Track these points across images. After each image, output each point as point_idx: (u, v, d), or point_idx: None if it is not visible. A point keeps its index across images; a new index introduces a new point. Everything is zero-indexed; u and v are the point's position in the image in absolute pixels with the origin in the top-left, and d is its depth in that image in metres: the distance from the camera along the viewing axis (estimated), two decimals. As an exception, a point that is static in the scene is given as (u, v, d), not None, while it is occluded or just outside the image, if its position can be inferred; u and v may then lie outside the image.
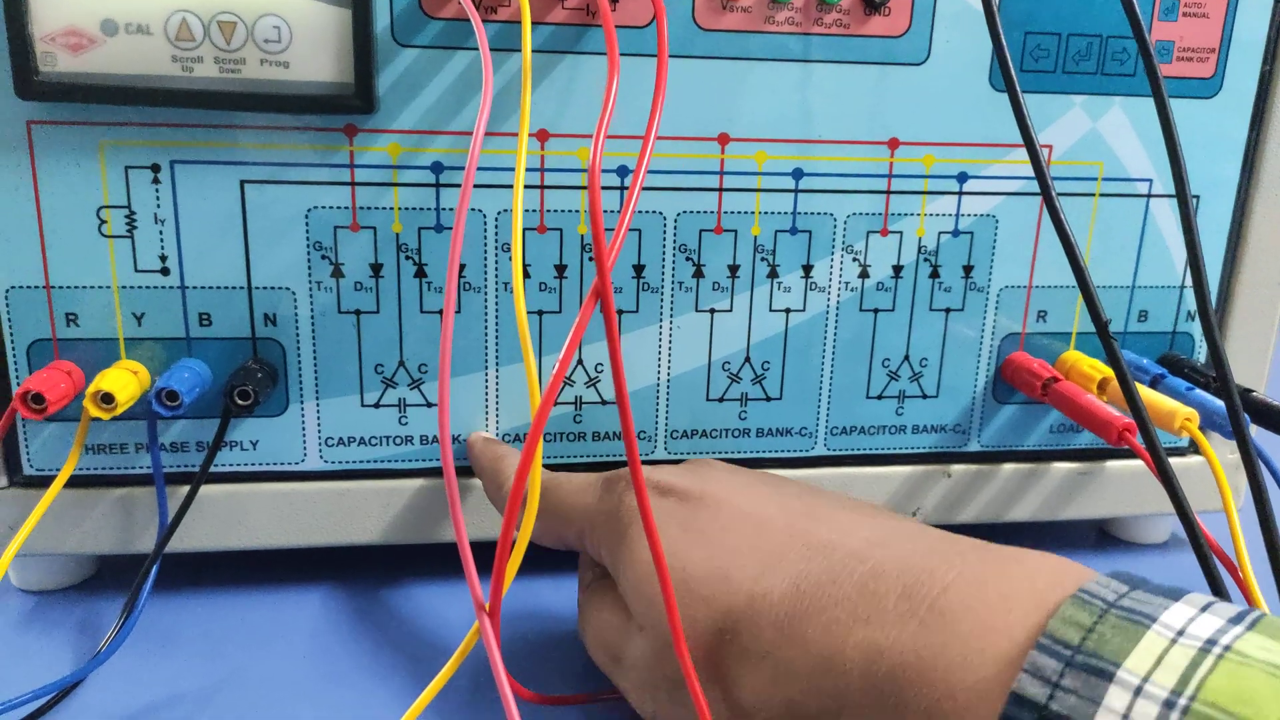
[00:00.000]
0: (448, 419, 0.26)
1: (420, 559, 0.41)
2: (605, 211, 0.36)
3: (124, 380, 0.34)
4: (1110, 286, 0.41)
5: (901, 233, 0.39)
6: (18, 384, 0.35)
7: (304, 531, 0.38)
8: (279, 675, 0.35)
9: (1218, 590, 0.29)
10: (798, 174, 0.37)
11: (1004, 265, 0.40)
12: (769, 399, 0.40)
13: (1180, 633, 0.20)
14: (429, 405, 0.38)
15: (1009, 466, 0.42)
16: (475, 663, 0.34)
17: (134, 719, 0.32)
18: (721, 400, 0.40)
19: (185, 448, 0.37)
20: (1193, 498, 0.30)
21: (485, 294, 0.37)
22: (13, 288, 0.34)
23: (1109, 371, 0.39)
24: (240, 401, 0.34)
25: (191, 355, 0.36)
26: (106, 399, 0.33)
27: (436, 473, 0.39)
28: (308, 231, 0.35)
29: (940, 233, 0.39)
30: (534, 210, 0.36)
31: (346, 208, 0.35)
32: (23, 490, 0.36)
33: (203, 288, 0.35)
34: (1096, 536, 0.48)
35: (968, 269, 0.40)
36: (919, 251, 0.39)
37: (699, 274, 0.38)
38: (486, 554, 0.27)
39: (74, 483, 0.36)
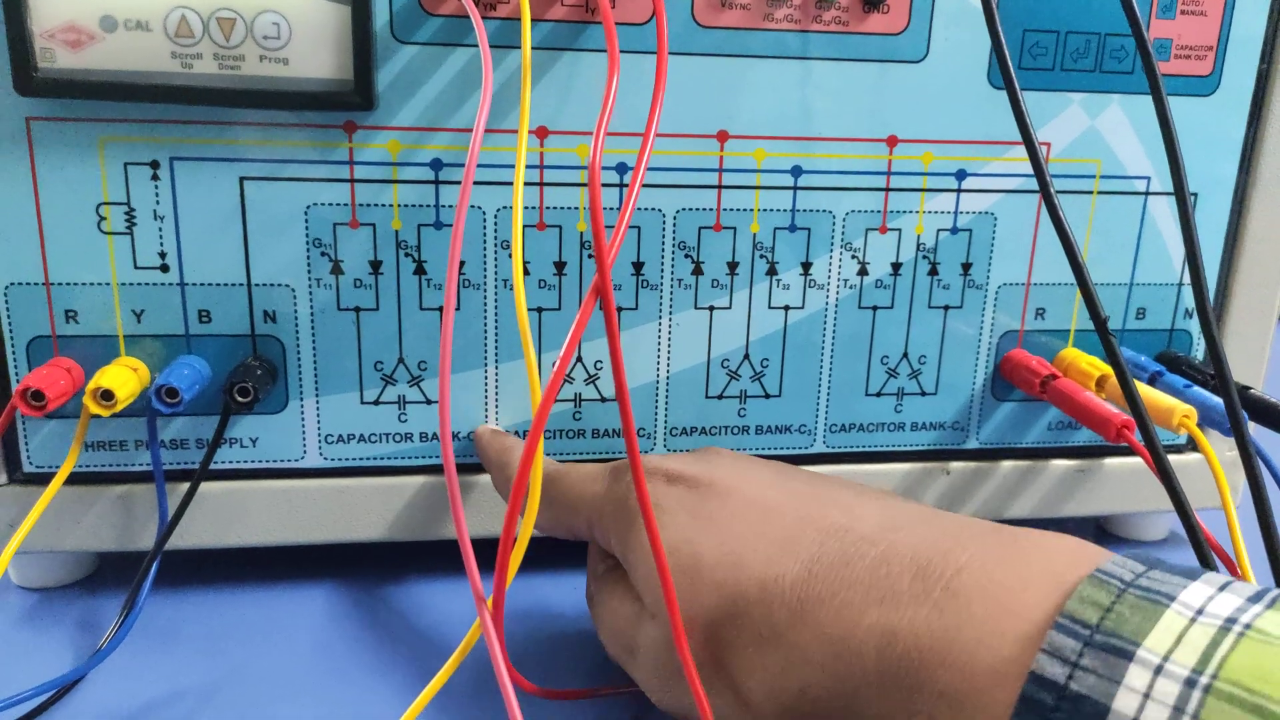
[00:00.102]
0: (448, 416, 0.26)
1: (421, 556, 0.42)
2: (605, 209, 0.36)
3: (123, 377, 0.34)
4: (1108, 284, 0.41)
5: (900, 230, 0.39)
6: (17, 381, 0.35)
7: (304, 528, 0.38)
8: (280, 672, 0.35)
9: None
10: (797, 171, 0.37)
11: (1002, 263, 0.40)
12: (768, 396, 0.40)
13: (1200, 611, 0.20)
14: (429, 402, 0.38)
15: (1007, 464, 0.42)
16: (477, 659, 0.34)
17: (134, 716, 0.32)
18: (721, 397, 0.40)
19: (185, 445, 0.37)
20: (1191, 495, 0.30)
21: (485, 291, 0.37)
22: (12, 284, 0.34)
23: (1107, 369, 0.39)
24: (240, 399, 0.34)
25: (191, 352, 0.36)
26: (106, 396, 0.33)
27: (436, 470, 0.39)
28: (307, 228, 0.35)
29: (939, 230, 0.39)
30: (533, 207, 0.36)
31: (346, 205, 0.35)
32: (22, 487, 0.36)
33: (202, 285, 0.35)
34: (1095, 533, 0.48)
35: (966, 266, 0.40)
36: (918, 249, 0.39)
37: (698, 271, 0.38)
38: (487, 551, 0.27)
39: (74, 480, 0.36)
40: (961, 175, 0.39)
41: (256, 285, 0.36)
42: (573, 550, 0.35)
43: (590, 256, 0.37)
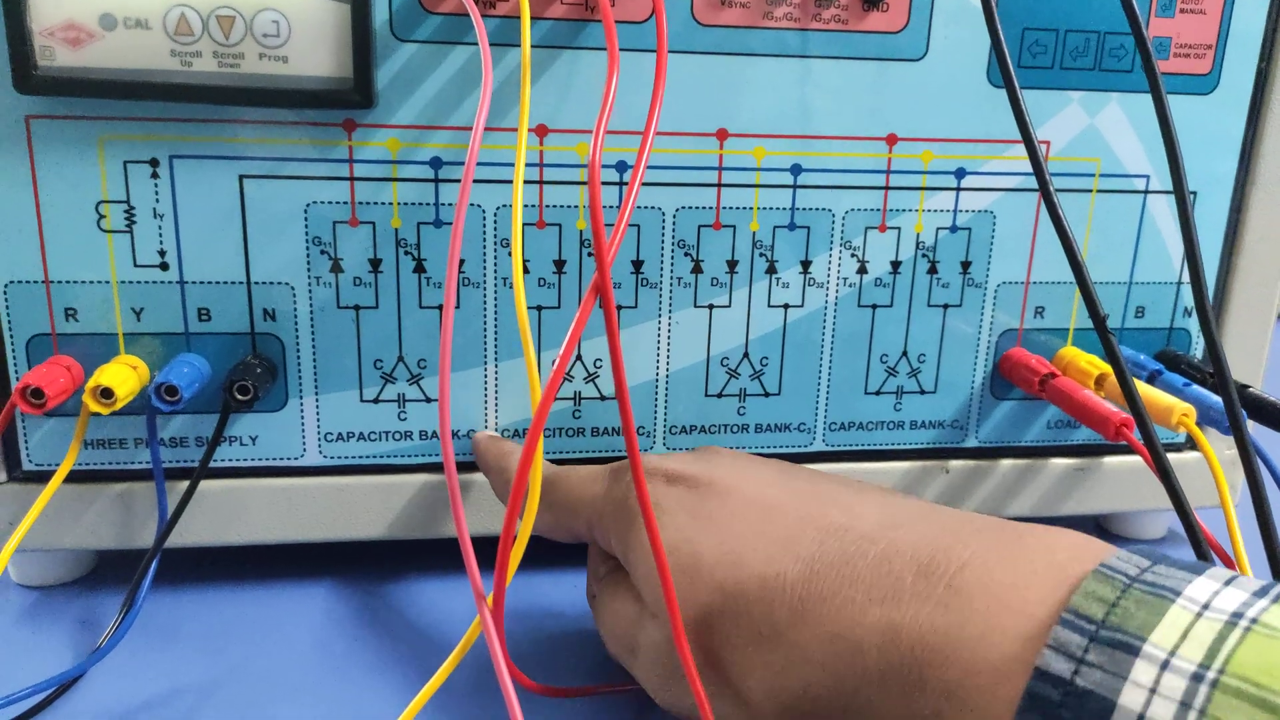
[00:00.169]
0: (448, 414, 0.26)
1: (421, 554, 0.42)
2: (604, 207, 0.36)
3: (123, 375, 0.34)
4: (1108, 282, 0.41)
5: (900, 228, 0.39)
6: (17, 379, 0.35)
7: (304, 527, 0.38)
8: (280, 670, 0.35)
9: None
10: (796, 170, 0.37)
11: (1002, 261, 0.40)
12: (767, 394, 0.40)
13: (1205, 606, 0.20)
14: (428, 400, 0.38)
15: (1007, 462, 0.42)
16: (477, 657, 0.34)
17: (134, 714, 0.32)
18: (720, 396, 0.40)
19: (184, 443, 0.37)
20: (1190, 493, 0.30)
21: (484, 289, 0.37)
22: (12, 282, 0.34)
23: (1106, 367, 0.39)
24: (239, 397, 0.34)
25: (191, 350, 0.36)
26: (106, 394, 0.33)
27: (436, 468, 0.39)
28: (307, 226, 0.35)
29: (938, 228, 0.39)
30: (533, 205, 0.36)
31: (345, 203, 0.35)
32: (22, 485, 0.36)
33: (202, 283, 0.35)
34: (1094, 532, 0.48)
35: (966, 265, 0.40)
36: (917, 247, 0.39)
37: (698, 270, 0.38)
38: (487, 549, 0.27)
39: (73, 478, 0.36)
40: (961, 174, 0.39)
41: (256, 283, 0.36)
42: (572, 548, 0.35)
43: (590, 255, 0.37)
